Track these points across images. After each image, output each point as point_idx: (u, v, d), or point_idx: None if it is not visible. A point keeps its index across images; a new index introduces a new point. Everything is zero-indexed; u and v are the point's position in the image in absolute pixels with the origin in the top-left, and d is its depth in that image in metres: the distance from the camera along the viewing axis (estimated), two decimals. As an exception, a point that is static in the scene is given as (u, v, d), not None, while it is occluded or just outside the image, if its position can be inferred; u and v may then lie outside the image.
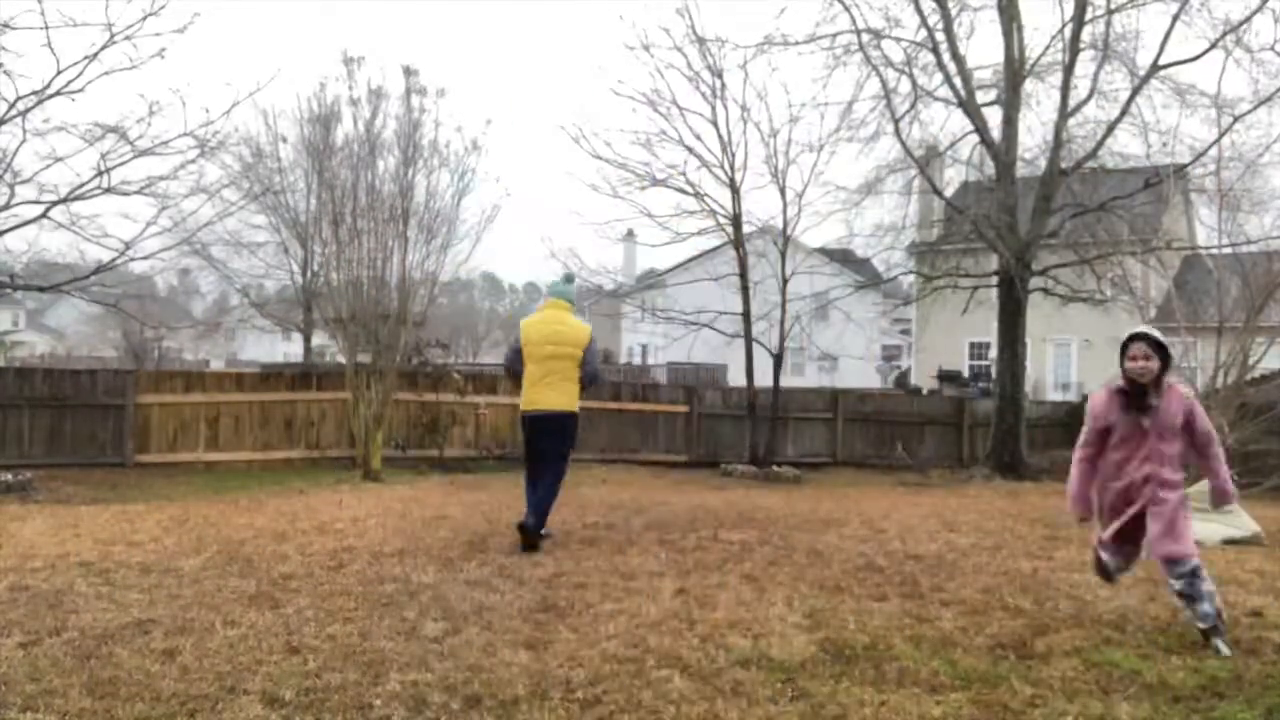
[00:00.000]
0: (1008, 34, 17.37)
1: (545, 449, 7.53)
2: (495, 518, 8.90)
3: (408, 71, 14.23)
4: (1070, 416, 21.22)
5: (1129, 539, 5.04)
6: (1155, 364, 4.83)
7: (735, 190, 16.79)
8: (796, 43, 17.64)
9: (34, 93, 11.55)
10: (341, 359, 16.00)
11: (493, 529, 8.19)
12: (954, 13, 17.45)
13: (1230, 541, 8.18)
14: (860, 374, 33.91)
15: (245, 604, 5.40)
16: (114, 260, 13.57)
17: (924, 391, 26.81)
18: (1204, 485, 8.79)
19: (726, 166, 16.72)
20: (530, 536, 7.03)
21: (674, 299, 20.30)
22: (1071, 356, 31.05)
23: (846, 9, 17.37)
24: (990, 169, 18.51)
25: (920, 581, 6.26)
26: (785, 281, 16.99)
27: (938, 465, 18.16)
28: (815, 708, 3.89)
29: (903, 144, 18.27)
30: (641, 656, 4.50)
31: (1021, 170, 18.24)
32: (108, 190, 12.31)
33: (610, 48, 63.29)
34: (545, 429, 7.48)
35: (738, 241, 16.99)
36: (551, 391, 7.46)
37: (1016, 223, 17.45)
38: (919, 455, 18.64)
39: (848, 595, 5.84)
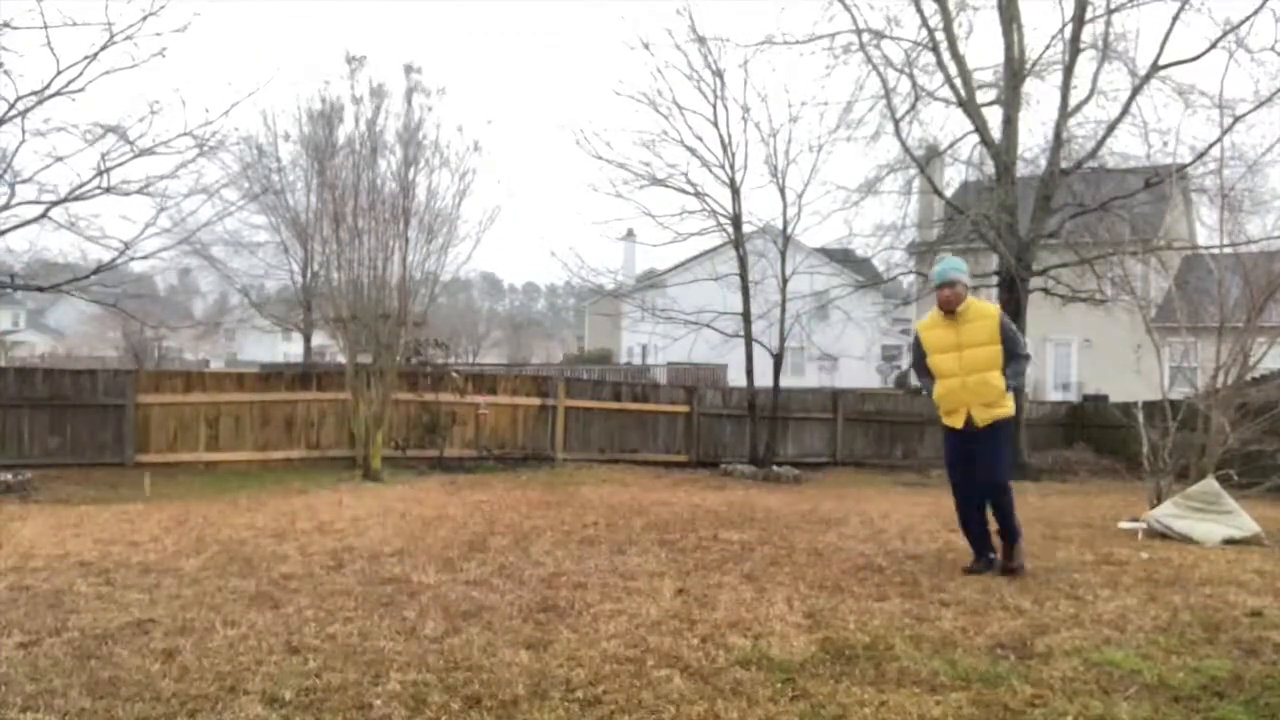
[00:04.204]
0: (1008, 34, 17.37)
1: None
2: (495, 518, 8.90)
3: (409, 70, 14.20)
4: (1070, 416, 21.21)
5: None
6: None
7: (735, 190, 16.79)
8: (797, 42, 17.68)
9: (34, 93, 11.55)
10: (341, 359, 15.98)
11: (492, 529, 8.20)
12: (954, 13, 17.47)
13: (1230, 541, 8.18)
14: (860, 374, 33.84)
15: (245, 604, 5.40)
16: (114, 260, 13.57)
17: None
18: (1203, 485, 8.86)
19: (727, 166, 16.73)
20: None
21: (674, 299, 20.25)
22: (1071, 356, 31.04)
23: (847, 8, 17.40)
24: (990, 169, 18.51)
25: (920, 581, 6.26)
26: (785, 281, 16.99)
27: (938, 465, 18.13)
28: (815, 708, 3.88)
29: (903, 144, 18.30)
30: (641, 656, 4.49)
31: (1021, 170, 18.24)
32: (108, 190, 12.30)
33: (612, 48, 63.34)
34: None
35: (738, 241, 16.98)
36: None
37: (1016, 223, 17.45)
38: (919, 455, 18.63)
39: (848, 595, 5.84)
